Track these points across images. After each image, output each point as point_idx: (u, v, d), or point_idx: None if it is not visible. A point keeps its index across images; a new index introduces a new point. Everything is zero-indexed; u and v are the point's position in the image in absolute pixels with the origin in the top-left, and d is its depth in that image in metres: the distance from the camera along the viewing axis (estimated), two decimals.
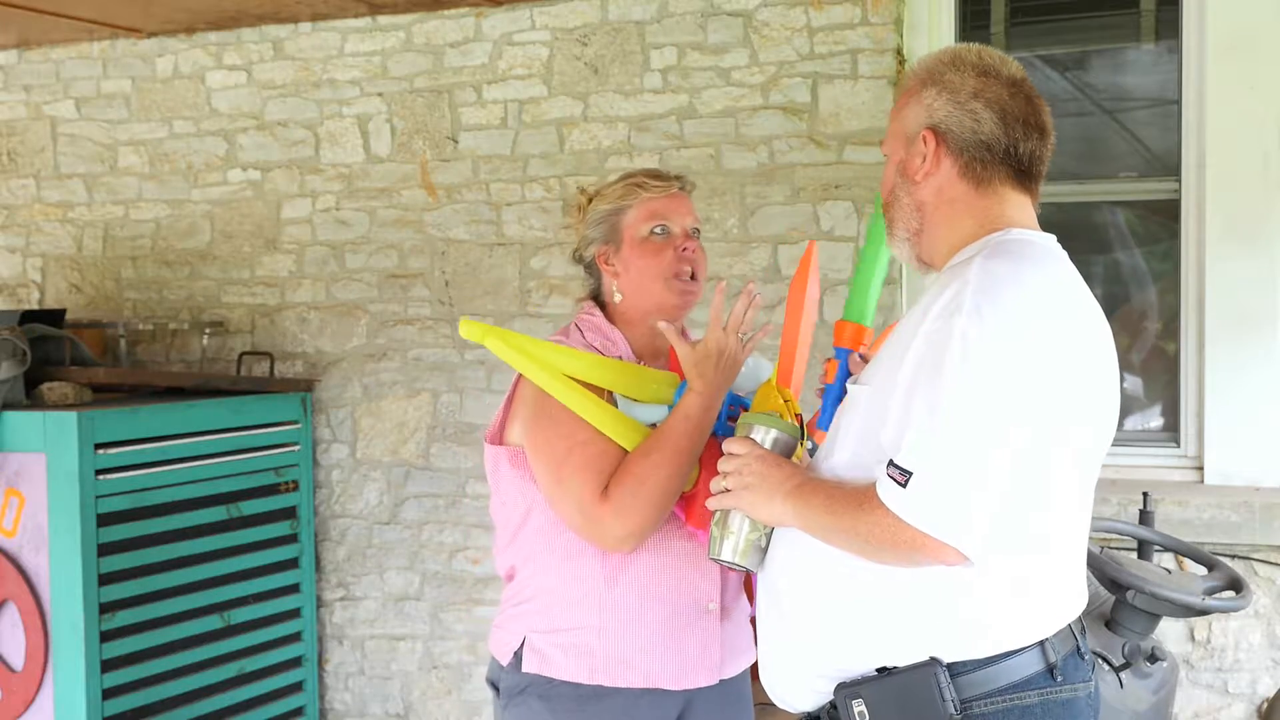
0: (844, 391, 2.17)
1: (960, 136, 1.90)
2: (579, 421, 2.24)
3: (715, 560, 2.02)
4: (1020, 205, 1.94)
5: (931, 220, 1.94)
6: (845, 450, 1.89)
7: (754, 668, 2.52)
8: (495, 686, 2.41)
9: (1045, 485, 1.79)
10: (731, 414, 2.31)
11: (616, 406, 2.28)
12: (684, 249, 2.39)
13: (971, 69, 1.92)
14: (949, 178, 1.92)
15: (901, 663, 1.81)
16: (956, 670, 1.80)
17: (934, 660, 1.80)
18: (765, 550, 1.98)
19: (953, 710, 1.78)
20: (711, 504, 2.00)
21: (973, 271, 1.77)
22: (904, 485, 1.71)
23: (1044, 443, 1.75)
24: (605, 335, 2.40)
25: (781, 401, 2.23)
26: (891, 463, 1.73)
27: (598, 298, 2.47)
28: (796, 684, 1.95)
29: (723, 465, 1.99)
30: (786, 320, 2.38)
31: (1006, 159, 1.92)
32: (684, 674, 2.32)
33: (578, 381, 2.26)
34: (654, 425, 2.27)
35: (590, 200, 2.47)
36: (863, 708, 1.82)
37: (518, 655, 2.34)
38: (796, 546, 1.91)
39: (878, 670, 1.83)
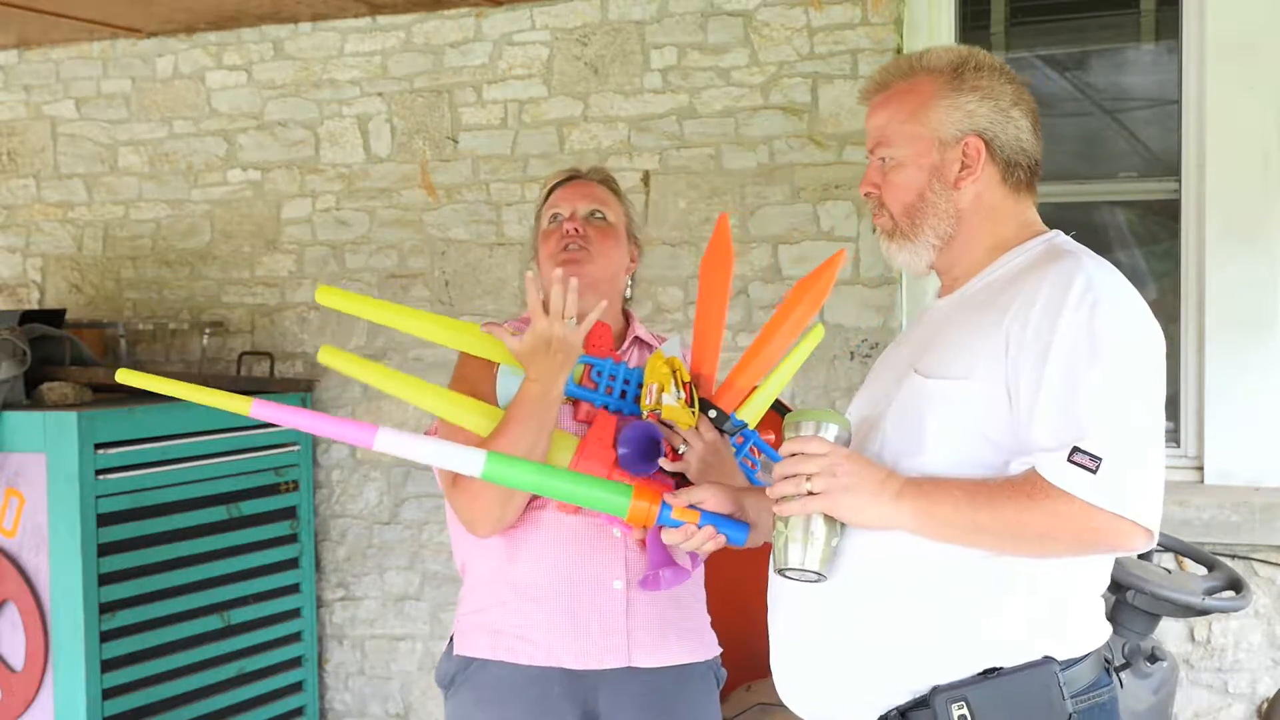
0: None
1: (1006, 144, 1.92)
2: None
3: (784, 571, 1.83)
4: (1035, 208, 1.99)
5: (968, 226, 1.94)
6: (944, 447, 1.82)
7: (731, 679, 2.52)
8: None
9: None
10: (622, 390, 2.30)
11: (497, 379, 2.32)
12: (566, 224, 2.42)
13: (1000, 74, 1.94)
14: (990, 184, 1.93)
15: (1008, 663, 1.78)
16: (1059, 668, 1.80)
17: (1049, 659, 1.78)
18: (838, 556, 1.83)
19: (1071, 709, 1.77)
20: (793, 509, 1.81)
21: (1089, 266, 1.81)
22: (1094, 471, 1.70)
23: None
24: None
25: (668, 371, 2.20)
26: (1077, 449, 1.71)
27: None
28: (861, 695, 1.87)
29: (797, 466, 1.81)
30: (699, 296, 2.32)
31: (1035, 165, 1.96)
32: (586, 654, 2.32)
33: (467, 357, 2.34)
34: None
35: None
36: (964, 711, 1.77)
37: (452, 641, 2.43)
38: (883, 550, 1.83)
39: (982, 672, 1.79)
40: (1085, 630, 1.86)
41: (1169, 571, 3.11)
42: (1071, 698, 1.78)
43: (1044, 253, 1.88)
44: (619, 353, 2.45)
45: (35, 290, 5.04)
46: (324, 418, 1.98)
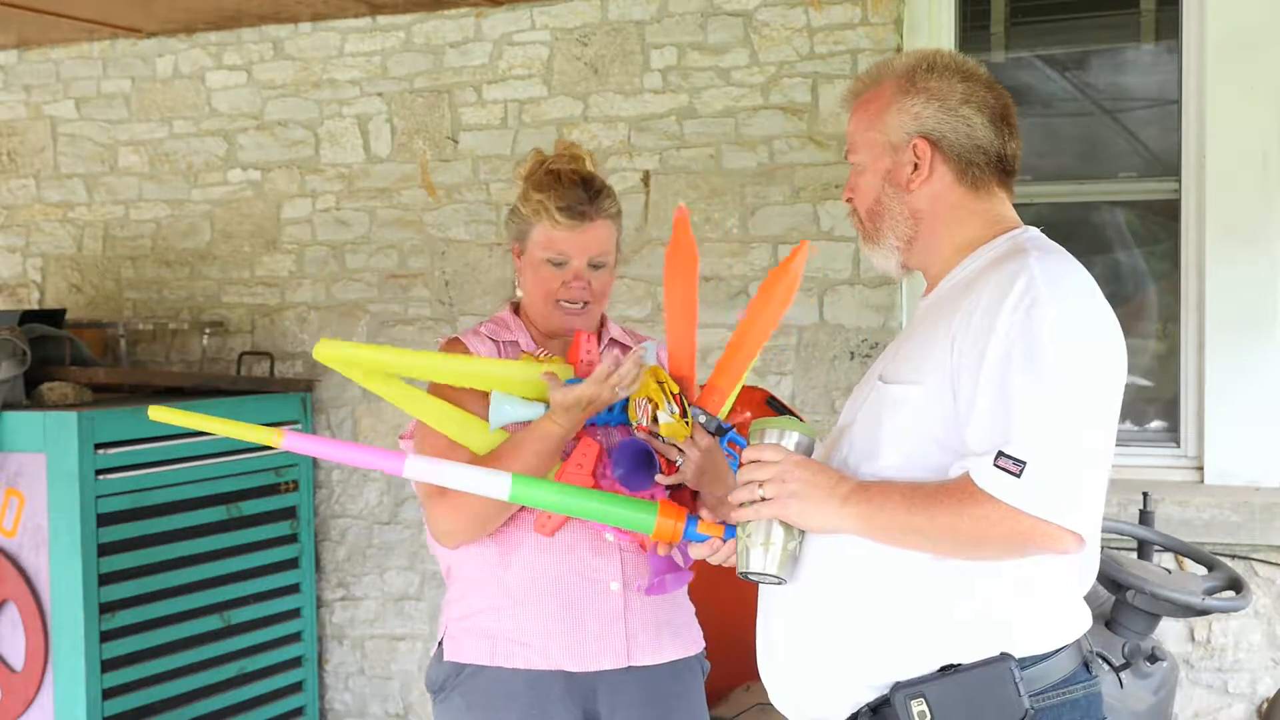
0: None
1: (956, 142, 1.92)
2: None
3: (746, 575, 1.89)
4: (1009, 204, 1.98)
5: (929, 227, 1.94)
6: (897, 452, 1.85)
7: (731, 680, 2.52)
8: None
9: (1107, 471, 1.82)
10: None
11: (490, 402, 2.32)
12: (574, 283, 2.39)
13: (953, 74, 1.94)
14: (944, 184, 1.93)
15: (966, 659, 1.80)
16: (1020, 665, 1.80)
17: (1006, 655, 1.79)
18: (798, 559, 1.89)
19: (1028, 705, 1.77)
20: (746, 515, 1.87)
21: (1033, 265, 1.80)
22: (1018, 475, 1.71)
23: (1112, 428, 1.81)
24: (506, 327, 2.46)
25: (656, 385, 2.21)
26: (1001, 454, 1.72)
27: None
28: (832, 692, 1.90)
29: (753, 474, 1.87)
30: (665, 297, 2.31)
31: (998, 161, 1.95)
32: (585, 656, 2.33)
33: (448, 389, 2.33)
34: (526, 422, 2.30)
35: (531, 172, 2.44)
36: (923, 707, 1.79)
37: (441, 646, 2.42)
38: (840, 552, 1.86)
39: (940, 669, 1.80)
40: (1053, 625, 1.85)
41: (1169, 571, 3.11)
42: (1033, 694, 1.78)
43: (1003, 252, 1.88)
44: (599, 353, 2.44)
45: (35, 290, 5.04)
46: (354, 447, 2.07)
